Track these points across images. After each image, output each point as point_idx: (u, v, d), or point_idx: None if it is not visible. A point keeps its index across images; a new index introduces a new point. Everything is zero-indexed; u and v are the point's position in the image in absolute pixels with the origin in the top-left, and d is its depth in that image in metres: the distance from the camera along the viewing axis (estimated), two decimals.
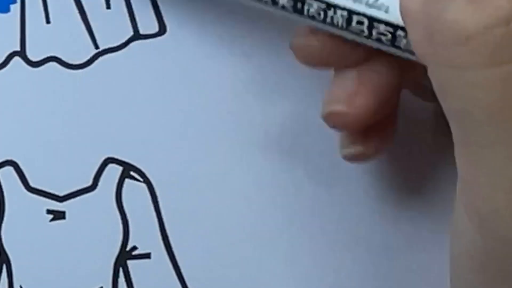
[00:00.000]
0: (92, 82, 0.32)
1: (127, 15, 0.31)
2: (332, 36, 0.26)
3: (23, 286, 0.31)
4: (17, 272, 0.31)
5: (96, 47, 0.31)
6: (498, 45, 0.21)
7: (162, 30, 0.31)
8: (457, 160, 0.23)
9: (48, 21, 0.31)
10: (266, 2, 0.26)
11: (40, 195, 0.31)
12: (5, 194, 0.31)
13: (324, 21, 0.25)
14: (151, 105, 0.32)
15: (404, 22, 0.24)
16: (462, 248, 0.24)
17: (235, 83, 0.32)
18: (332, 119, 0.27)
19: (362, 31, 0.25)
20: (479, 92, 0.21)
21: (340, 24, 0.25)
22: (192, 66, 0.32)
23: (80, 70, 0.32)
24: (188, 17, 0.31)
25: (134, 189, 0.31)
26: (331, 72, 0.28)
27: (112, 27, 0.31)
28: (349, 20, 0.25)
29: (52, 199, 0.31)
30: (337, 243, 0.32)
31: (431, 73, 0.23)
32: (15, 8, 0.31)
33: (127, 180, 0.31)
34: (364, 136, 0.28)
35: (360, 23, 0.25)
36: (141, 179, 0.31)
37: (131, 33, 0.31)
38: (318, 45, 0.27)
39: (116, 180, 0.31)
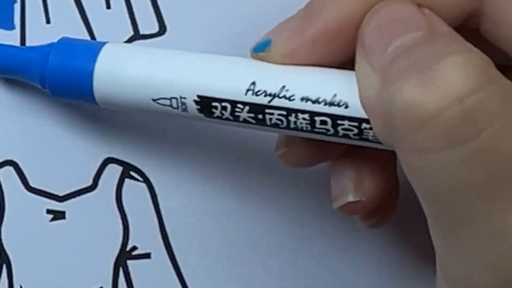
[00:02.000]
0: None
1: (127, 15, 0.31)
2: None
3: (23, 286, 0.31)
4: (17, 272, 0.31)
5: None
6: (453, 126, 0.21)
7: (162, 30, 0.31)
8: (432, 238, 0.23)
9: (48, 21, 0.31)
10: (228, 119, 0.26)
11: (40, 195, 0.31)
12: (5, 194, 0.31)
13: (288, 127, 0.25)
14: None
15: (366, 113, 0.24)
16: None
17: None
18: (347, 211, 0.27)
19: (328, 130, 0.25)
20: (442, 174, 0.21)
21: (304, 127, 0.25)
22: None
23: None
24: (188, 17, 0.31)
25: (134, 189, 0.31)
26: None
27: (112, 27, 0.31)
28: (312, 123, 0.25)
29: (52, 199, 0.31)
30: (337, 242, 0.32)
31: (399, 158, 0.22)
32: (16, 8, 0.31)
33: (127, 180, 0.31)
34: (375, 211, 0.28)
35: (323, 122, 0.25)
36: (141, 179, 0.31)
37: (131, 33, 0.31)
38: (302, 150, 0.27)
39: (116, 180, 0.31)
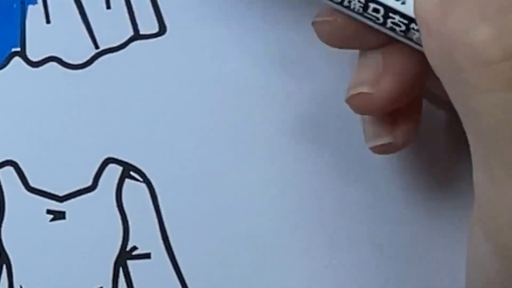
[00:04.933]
0: (92, 82, 0.32)
1: (127, 15, 0.31)
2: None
3: (23, 286, 0.31)
4: (17, 272, 0.31)
5: (96, 47, 0.31)
6: None
7: (162, 30, 0.31)
8: (475, 185, 0.23)
9: (48, 21, 0.31)
10: None
11: (40, 195, 0.31)
12: (5, 194, 0.31)
13: (341, 3, 0.26)
14: (151, 105, 0.32)
15: (420, 28, 0.24)
16: (480, 273, 0.24)
17: (235, 83, 0.32)
18: (356, 102, 0.27)
19: (377, 18, 0.26)
20: (501, 113, 0.22)
21: (356, 9, 0.26)
22: (192, 66, 0.32)
23: (80, 70, 0.32)
24: (188, 17, 0.31)
25: (134, 189, 0.31)
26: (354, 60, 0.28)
27: (112, 27, 0.31)
28: (365, 7, 0.26)
29: (52, 199, 0.31)
30: (337, 242, 0.32)
31: (447, 86, 0.23)
32: (16, 8, 0.31)
33: (127, 180, 0.31)
34: (391, 127, 0.28)
35: (376, 10, 0.25)
36: (141, 179, 0.31)
37: (131, 33, 0.31)
38: (341, 23, 0.27)
39: (116, 180, 0.31)
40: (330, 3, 0.26)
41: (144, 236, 0.31)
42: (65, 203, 0.31)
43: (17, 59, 0.31)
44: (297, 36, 0.31)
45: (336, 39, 0.28)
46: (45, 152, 0.31)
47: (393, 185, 0.32)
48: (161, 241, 0.31)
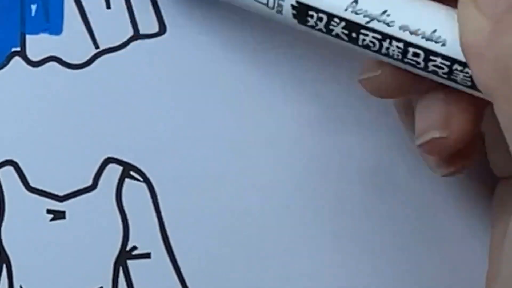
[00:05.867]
0: (92, 82, 0.32)
1: (127, 15, 0.31)
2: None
3: (23, 286, 0.31)
4: (17, 272, 0.31)
5: (96, 47, 0.31)
6: None
7: (162, 30, 0.31)
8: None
9: (48, 21, 0.31)
10: (320, 30, 0.26)
11: (40, 195, 0.31)
12: (5, 194, 0.31)
13: (378, 51, 0.25)
14: (151, 105, 0.32)
15: (467, 57, 0.24)
16: None
17: (235, 83, 0.32)
18: (430, 148, 0.27)
19: (418, 63, 0.25)
20: None
21: (395, 55, 0.25)
22: (192, 66, 0.32)
23: (80, 70, 0.32)
24: (188, 17, 0.31)
25: (134, 189, 0.31)
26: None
27: (112, 27, 0.31)
28: (405, 53, 0.25)
29: (52, 199, 0.31)
30: (338, 242, 0.32)
31: (500, 109, 0.22)
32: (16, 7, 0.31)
33: (127, 180, 0.31)
34: (456, 156, 0.27)
35: (416, 55, 0.25)
36: (141, 179, 0.31)
37: (131, 33, 0.31)
38: (387, 74, 0.27)
39: (116, 180, 0.31)
40: (369, 52, 0.26)
41: (144, 236, 0.31)
42: (65, 203, 0.31)
43: (17, 59, 0.31)
44: (297, 35, 0.31)
45: (388, 92, 0.27)
46: (45, 152, 0.31)
47: (393, 185, 0.32)
48: (161, 241, 0.31)
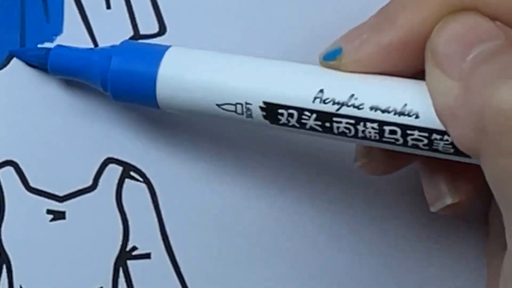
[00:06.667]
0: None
1: (127, 15, 0.31)
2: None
3: (23, 286, 0.31)
4: (17, 272, 0.31)
5: (96, 47, 0.31)
6: None
7: (162, 30, 0.31)
8: (509, 244, 0.22)
9: (48, 21, 0.31)
10: (294, 126, 0.26)
11: (40, 195, 0.31)
12: (5, 194, 0.31)
13: (355, 136, 0.25)
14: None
15: (442, 121, 0.23)
16: None
17: None
18: (447, 213, 0.27)
19: (397, 139, 0.25)
20: None
21: (372, 136, 0.25)
22: None
23: None
24: (188, 17, 0.31)
25: (134, 189, 0.31)
26: None
27: (112, 27, 0.31)
28: (381, 132, 0.25)
29: (52, 199, 0.31)
30: (339, 242, 0.32)
31: (485, 164, 0.22)
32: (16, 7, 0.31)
33: (127, 180, 0.31)
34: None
35: (393, 132, 0.25)
36: (141, 179, 0.31)
37: (131, 33, 0.31)
38: (383, 159, 0.27)
39: (116, 180, 0.31)
40: (348, 139, 0.25)
41: (144, 236, 0.31)
42: (65, 203, 0.31)
43: (17, 59, 0.31)
44: (298, 35, 0.31)
45: (387, 170, 0.28)
46: (45, 152, 0.31)
47: (393, 185, 0.32)
48: (161, 241, 0.31)
